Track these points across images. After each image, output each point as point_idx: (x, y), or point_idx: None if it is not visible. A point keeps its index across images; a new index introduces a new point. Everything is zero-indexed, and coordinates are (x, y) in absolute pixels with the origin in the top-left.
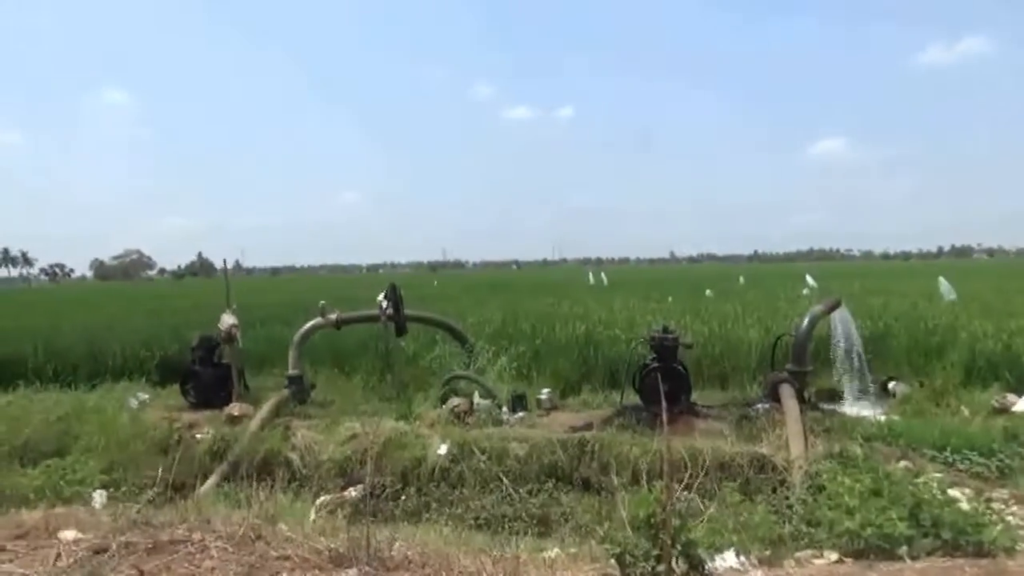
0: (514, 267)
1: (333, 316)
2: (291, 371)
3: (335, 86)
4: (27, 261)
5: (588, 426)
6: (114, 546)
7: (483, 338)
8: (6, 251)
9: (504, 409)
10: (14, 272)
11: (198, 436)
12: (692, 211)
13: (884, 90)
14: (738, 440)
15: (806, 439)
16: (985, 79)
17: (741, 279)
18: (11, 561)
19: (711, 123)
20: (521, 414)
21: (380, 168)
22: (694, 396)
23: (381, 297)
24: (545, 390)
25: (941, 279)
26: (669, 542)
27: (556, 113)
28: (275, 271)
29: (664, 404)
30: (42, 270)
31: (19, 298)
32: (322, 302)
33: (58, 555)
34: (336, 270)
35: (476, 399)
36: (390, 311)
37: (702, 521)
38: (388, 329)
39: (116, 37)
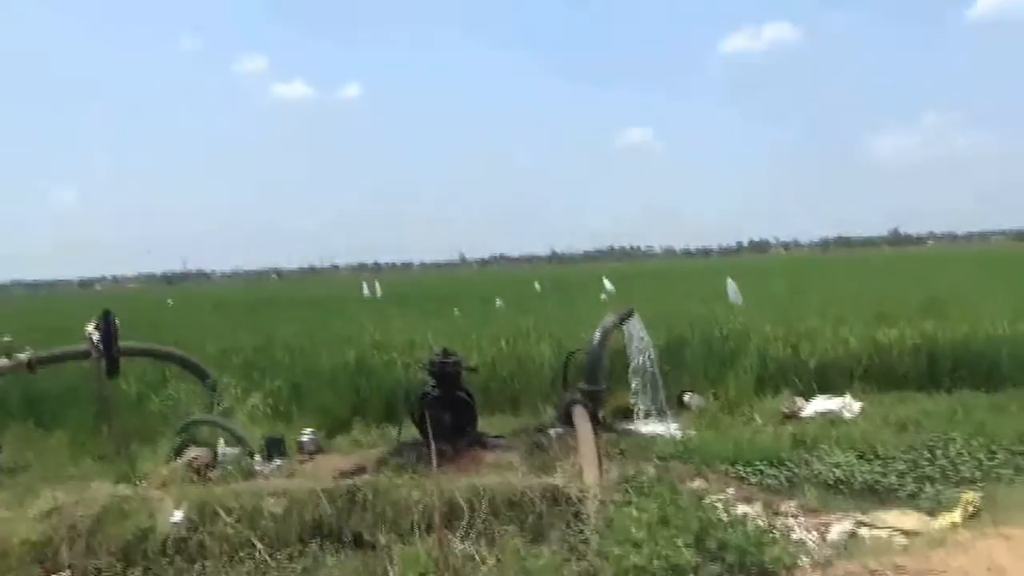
0: (274, 276)
1: (24, 356)
2: None
3: (51, 56)
4: None
5: (360, 470)
6: None
7: (229, 371)
8: None
9: (257, 458)
10: None
11: None
12: (483, 208)
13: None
14: (530, 471)
15: (601, 464)
16: (799, 64)
17: (537, 285)
18: None
19: (513, 105)
20: (278, 462)
21: (108, 159)
22: (482, 425)
23: (90, 328)
24: (307, 431)
25: (729, 281)
26: None
27: (339, 92)
28: None
29: (446, 438)
30: None
31: None
32: (6, 337)
33: None
34: (37, 287)
35: (221, 448)
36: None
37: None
38: (103, 367)
39: None
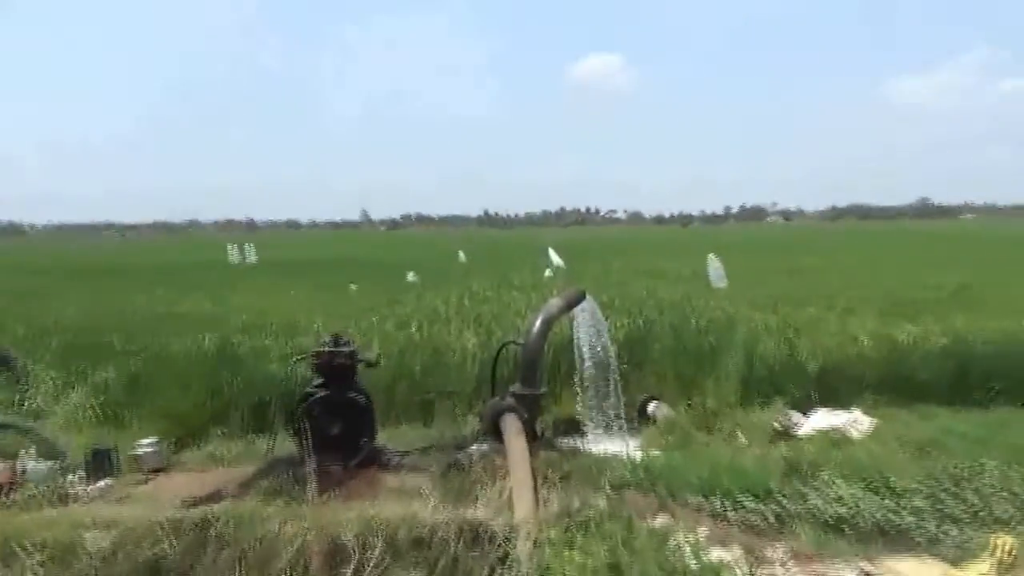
0: (117, 235)
1: None
2: None
3: None
4: None
5: (217, 494)
6: None
7: (45, 358)
8: None
9: (77, 476)
10: None
11: None
12: (390, 149)
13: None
14: (444, 500)
15: (536, 493)
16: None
17: (461, 255)
18: None
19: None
20: (106, 482)
21: None
22: (383, 437)
23: None
24: (147, 440)
25: (711, 258)
26: None
27: None
28: None
29: (335, 453)
30: None
31: None
32: None
33: None
34: None
35: (27, 462)
36: None
37: None
38: None
39: None
